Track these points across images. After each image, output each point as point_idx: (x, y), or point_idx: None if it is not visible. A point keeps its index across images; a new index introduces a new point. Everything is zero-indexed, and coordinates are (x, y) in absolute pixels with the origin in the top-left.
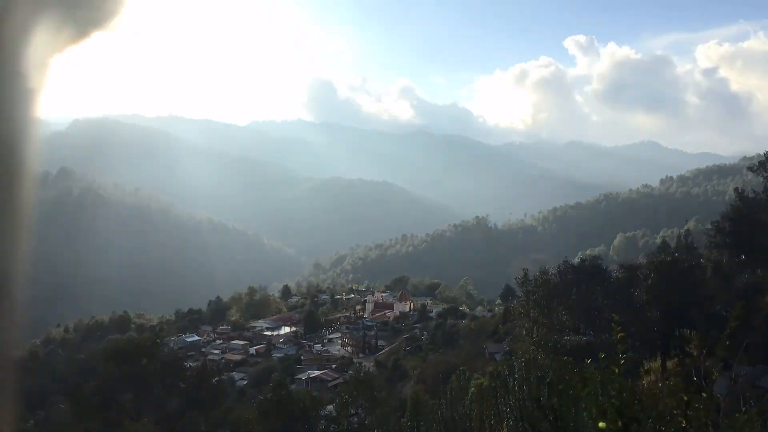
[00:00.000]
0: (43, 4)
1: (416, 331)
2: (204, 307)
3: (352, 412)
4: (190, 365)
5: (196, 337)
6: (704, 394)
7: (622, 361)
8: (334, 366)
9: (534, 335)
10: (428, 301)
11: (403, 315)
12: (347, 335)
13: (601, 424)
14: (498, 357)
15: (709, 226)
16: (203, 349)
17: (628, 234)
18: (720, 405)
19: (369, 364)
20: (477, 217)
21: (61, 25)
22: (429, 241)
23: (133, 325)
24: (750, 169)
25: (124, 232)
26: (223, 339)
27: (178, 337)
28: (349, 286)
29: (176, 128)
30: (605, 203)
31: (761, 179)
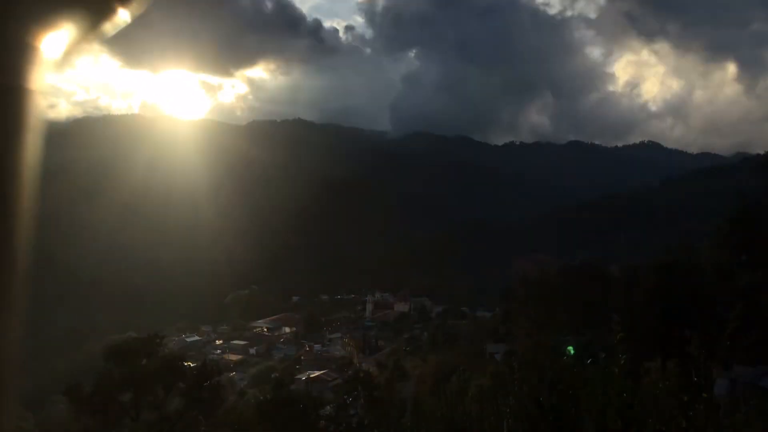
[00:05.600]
0: (43, 3)
1: (416, 331)
2: (205, 307)
3: (352, 412)
4: (190, 365)
5: (196, 337)
6: (704, 395)
7: (623, 362)
8: (334, 366)
9: (534, 335)
10: (428, 302)
11: (403, 315)
12: (347, 335)
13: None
14: (498, 357)
15: (709, 227)
16: (203, 349)
17: (628, 234)
18: (720, 405)
19: (369, 364)
20: (477, 216)
21: (62, 25)
22: (429, 240)
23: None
24: (750, 169)
25: (125, 232)
26: (223, 339)
27: (178, 337)
28: (350, 285)
29: (176, 128)
30: (605, 203)
31: (761, 179)
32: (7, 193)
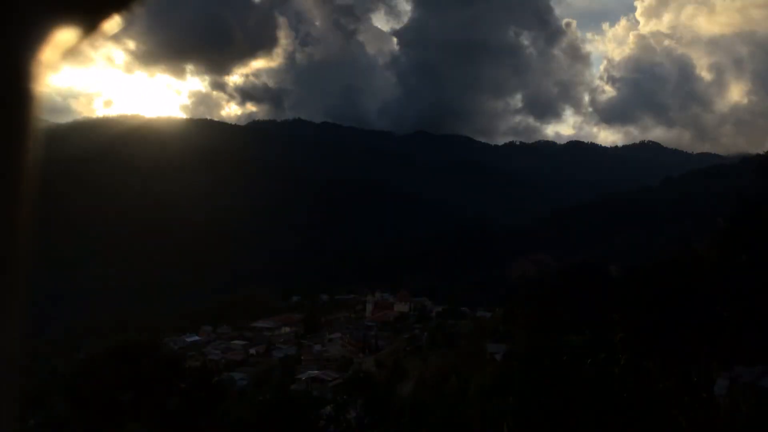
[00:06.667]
0: (43, 5)
1: (416, 331)
2: (205, 307)
3: (353, 413)
4: (190, 365)
5: (196, 337)
6: (704, 395)
7: (623, 362)
8: (334, 366)
9: (534, 335)
10: (428, 302)
11: (403, 315)
12: (347, 335)
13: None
14: (498, 357)
15: (709, 227)
16: (203, 349)
17: (628, 234)
18: (720, 405)
19: (369, 364)
20: (477, 217)
21: (62, 25)
22: (429, 241)
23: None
24: (750, 169)
25: (125, 232)
26: (224, 339)
27: (178, 337)
28: (349, 285)
29: (176, 128)
30: (605, 203)
31: (761, 179)
32: (9, 194)
